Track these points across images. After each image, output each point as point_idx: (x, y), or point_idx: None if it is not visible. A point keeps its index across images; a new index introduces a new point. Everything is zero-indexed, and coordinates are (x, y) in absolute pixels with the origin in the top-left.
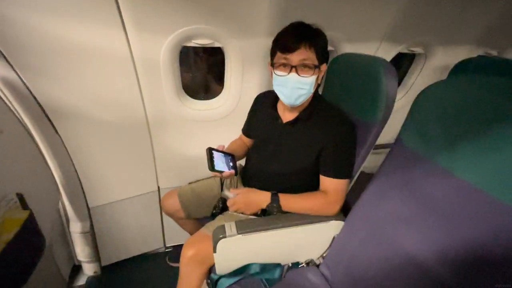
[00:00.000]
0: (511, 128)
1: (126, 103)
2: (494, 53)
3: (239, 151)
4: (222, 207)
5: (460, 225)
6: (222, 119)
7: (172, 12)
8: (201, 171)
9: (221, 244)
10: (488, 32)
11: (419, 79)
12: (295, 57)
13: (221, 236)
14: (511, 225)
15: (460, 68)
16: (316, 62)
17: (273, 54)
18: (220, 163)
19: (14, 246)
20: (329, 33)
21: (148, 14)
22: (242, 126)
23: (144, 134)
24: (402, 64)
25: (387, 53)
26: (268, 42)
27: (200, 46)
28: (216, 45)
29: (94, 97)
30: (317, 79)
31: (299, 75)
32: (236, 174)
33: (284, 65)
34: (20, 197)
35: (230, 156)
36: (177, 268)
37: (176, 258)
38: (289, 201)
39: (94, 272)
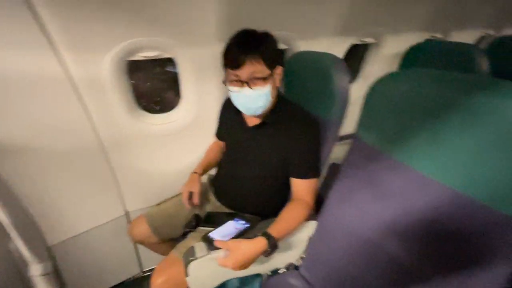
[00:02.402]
0: (458, 119)
1: (72, 128)
2: (439, 36)
3: (216, 161)
4: (194, 224)
5: (421, 217)
6: (183, 131)
7: (107, 27)
8: (169, 187)
9: (192, 266)
10: (433, 17)
11: (375, 67)
12: (244, 72)
13: (191, 258)
14: (465, 212)
15: (411, 53)
16: (267, 72)
17: (224, 70)
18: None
19: None
20: (281, 33)
21: (79, 32)
22: (205, 136)
23: (100, 157)
24: (360, 53)
25: (341, 45)
26: (220, 48)
27: (147, 59)
28: (165, 56)
29: (33, 126)
30: (273, 85)
31: (251, 88)
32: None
33: (236, 80)
34: None
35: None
36: None
37: None
38: (281, 233)
39: None
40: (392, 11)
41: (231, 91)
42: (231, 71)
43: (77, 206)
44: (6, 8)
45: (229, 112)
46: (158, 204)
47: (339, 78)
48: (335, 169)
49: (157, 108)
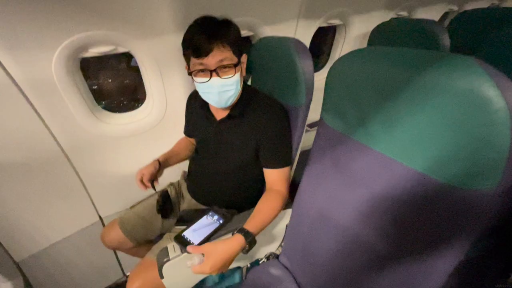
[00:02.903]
0: (409, 96)
1: (27, 136)
2: (404, 14)
3: (184, 153)
4: (163, 202)
5: (387, 199)
6: (153, 129)
7: (49, 23)
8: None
9: (166, 268)
10: None
11: (344, 49)
12: (211, 60)
13: (165, 260)
14: (419, 188)
15: (377, 33)
16: (235, 59)
17: (187, 59)
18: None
19: None
20: (244, 19)
21: (15, 30)
22: (176, 132)
23: (64, 165)
24: (330, 36)
25: (307, 29)
26: (179, 38)
27: (102, 54)
28: (121, 50)
29: None
30: (241, 74)
31: (221, 77)
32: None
33: (203, 70)
34: None
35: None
36: None
37: None
38: (258, 226)
39: None
40: None
41: (198, 82)
42: (196, 60)
43: (44, 217)
44: None
45: (194, 107)
46: (131, 207)
47: (302, 62)
48: (307, 156)
49: (139, 105)
